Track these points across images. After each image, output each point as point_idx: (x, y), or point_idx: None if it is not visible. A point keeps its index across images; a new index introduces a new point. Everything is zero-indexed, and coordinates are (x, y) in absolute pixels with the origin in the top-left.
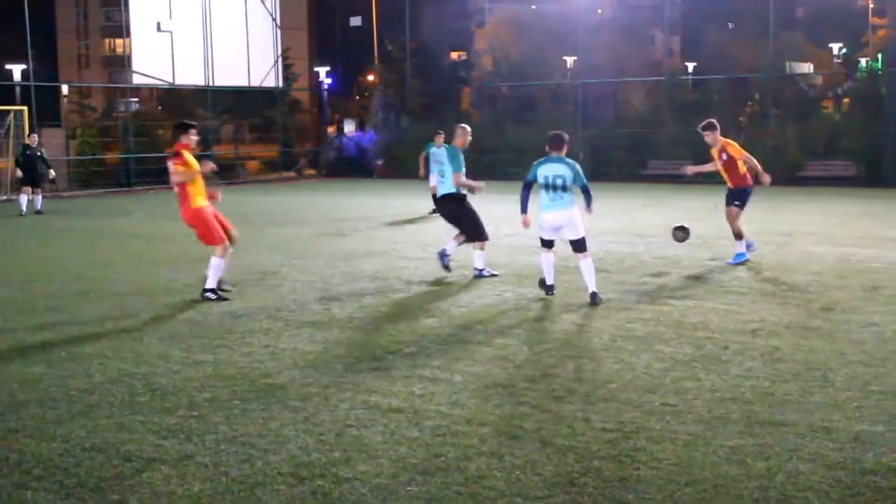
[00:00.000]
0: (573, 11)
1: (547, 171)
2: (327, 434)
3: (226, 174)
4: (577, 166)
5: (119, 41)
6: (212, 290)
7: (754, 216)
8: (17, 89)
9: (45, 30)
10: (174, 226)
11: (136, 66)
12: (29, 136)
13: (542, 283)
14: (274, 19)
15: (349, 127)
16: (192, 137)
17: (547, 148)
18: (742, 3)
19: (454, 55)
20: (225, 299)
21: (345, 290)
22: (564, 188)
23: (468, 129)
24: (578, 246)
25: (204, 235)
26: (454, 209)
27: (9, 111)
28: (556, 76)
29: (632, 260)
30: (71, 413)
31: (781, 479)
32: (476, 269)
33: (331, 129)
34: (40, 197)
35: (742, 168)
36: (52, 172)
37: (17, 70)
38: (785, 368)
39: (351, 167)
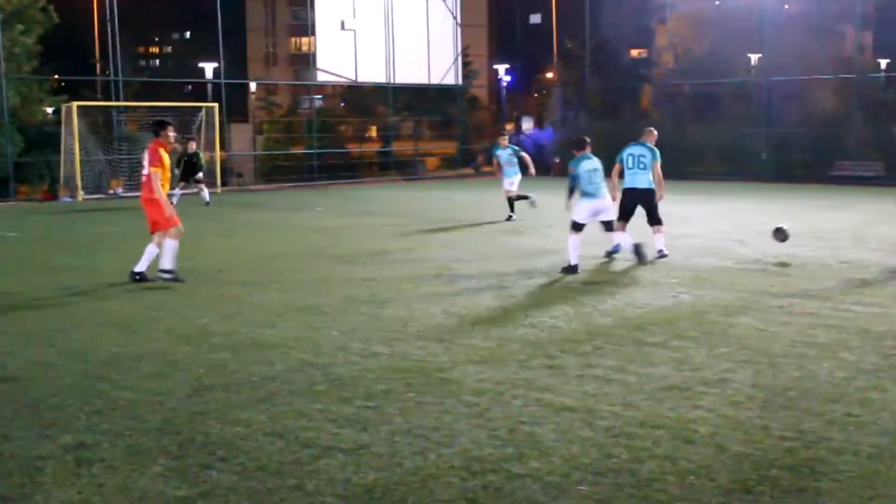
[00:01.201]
0: (758, 6)
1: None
2: (500, 430)
3: (405, 170)
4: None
5: (305, 39)
6: (167, 271)
7: None
8: (209, 86)
9: (235, 29)
10: (355, 220)
11: (320, 63)
12: (187, 143)
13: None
14: (454, 17)
15: (527, 124)
16: (170, 135)
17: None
18: None
19: (634, 52)
20: (179, 280)
21: (520, 288)
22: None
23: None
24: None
25: (157, 221)
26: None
27: (201, 107)
28: (740, 73)
29: (815, 264)
30: (253, 399)
31: None
32: (660, 250)
33: (509, 127)
34: (206, 191)
35: None
36: (201, 175)
37: (209, 68)
38: None
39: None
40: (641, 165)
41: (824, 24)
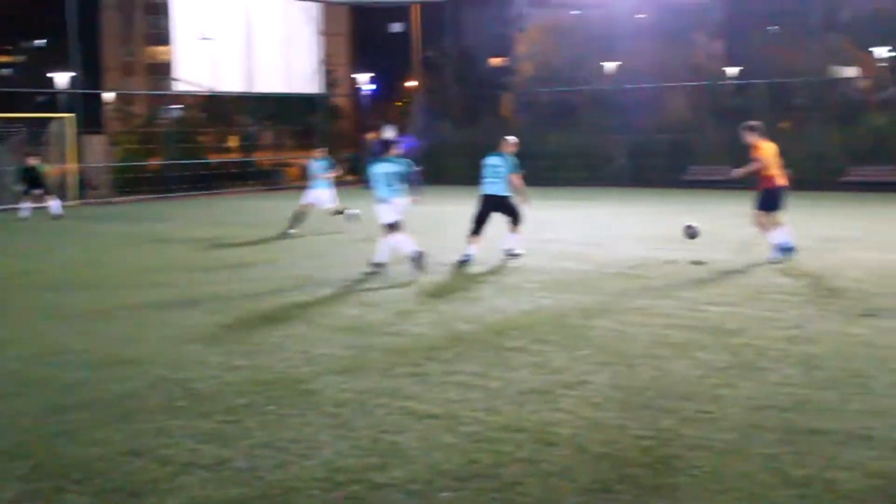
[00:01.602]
0: (613, 16)
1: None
2: (363, 440)
3: (266, 180)
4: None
5: (162, 49)
6: None
7: (797, 221)
8: (63, 97)
9: (90, 38)
10: (217, 231)
11: (178, 73)
12: (29, 157)
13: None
14: (315, 26)
15: (390, 133)
16: None
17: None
18: (785, 7)
19: (495, 61)
20: None
21: (381, 296)
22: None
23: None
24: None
25: None
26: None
27: (53, 118)
28: (597, 81)
29: (670, 266)
30: (110, 418)
31: (819, 488)
32: (510, 249)
33: (371, 136)
34: (55, 203)
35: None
36: (41, 189)
37: (62, 78)
38: (823, 376)
39: None
40: (497, 175)
41: (677, 33)
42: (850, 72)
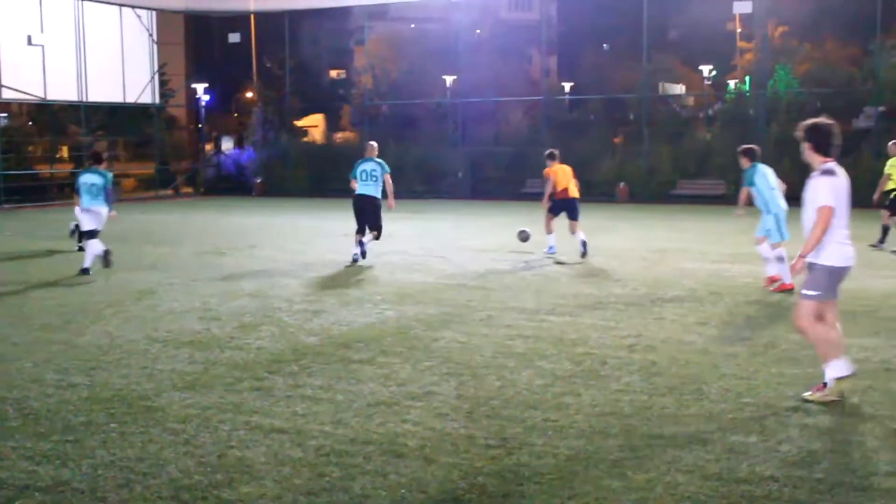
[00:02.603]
0: (452, 31)
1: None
2: (209, 456)
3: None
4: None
5: None
6: None
7: (631, 233)
8: None
9: None
10: (48, 244)
11: (5, 80)
12: None
13: None
14: (150, 34)
15: (227, 144)
16: None
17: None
18: (617, 26)
19: (334, 73)
20: None
21: (224, 310)
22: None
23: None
24: None
25: None
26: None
27: None
28: (436, 94)
29: (511, 277)
30: None
31: (661, 491)
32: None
33: (208, 147)
34: None
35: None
36: None
37: None
38: (662, 382)
39: (230, 185)
40: (373, 178)
41: (514, 49)
42: (678, 89)
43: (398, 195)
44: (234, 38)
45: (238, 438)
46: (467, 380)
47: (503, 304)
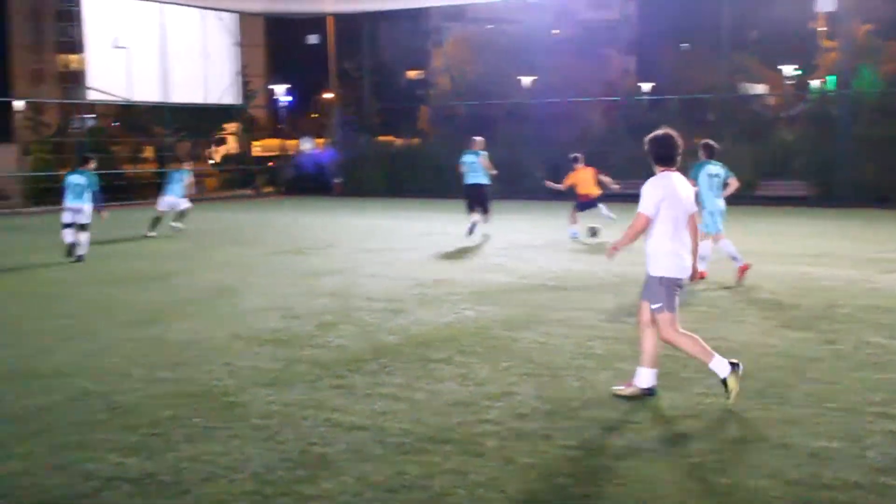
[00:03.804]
0: (529, 31)
1: None
2: (291, 452)
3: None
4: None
5: (74, 57)
6: None
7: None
8: None
9: None
10: (132, 243)
11: (91, 82)
12: None
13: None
14: (232, 36)
15: (306, 144)
16: None
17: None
18: (696, 25)
19: (411, 74)
20: None
21: (305, 308)
22: None
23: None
24: None
25: None
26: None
27: None
28: (513, 95)
29: (590, 278)
30: (31, 431)
31: (742, 496)
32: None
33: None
34: None
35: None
36: None
37: None
38: (743, 386)
39: (309, 185)
40: (475, 168)
41: (592, 49)
42: (759, 89)
43: None
44: (312, 39)
45: (319, 435)
46: (546, 380)
47: (582, 304)
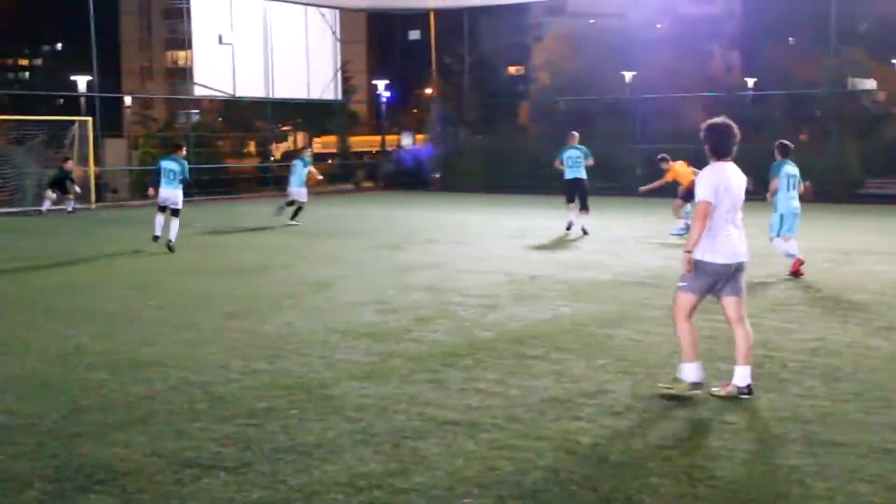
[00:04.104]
0: (631, 26)
1: None
2: (384, 445)
3: (285, 185)
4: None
5: (181, 53)
6: None
7: (816, 234)
8: (82, 100)
9: (109, 42)
10: (233, 236)
11: (197, 77)
12: (65, 162)
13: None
14: (333, 32)
15: (406, 139)
16: None
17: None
18: (802, 19)
19: (512, 69)
20: None
21: (400, 303)
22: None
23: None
24: None
25: None
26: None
27: (74, 121)
28: (614, 91)
29: None
30: (131, 419)
31: (841, 501)
32: (583, 230)
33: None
34: (72, 202)
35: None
36: (78, 189)
37: (82, 81)
38: (845, 388)
39: (409, 180)
40: (578, 163)
41: (694, 44)
42: (868, 84)
43: None
44: (414, 35)
45: (412, 429)
46: (642, 378)
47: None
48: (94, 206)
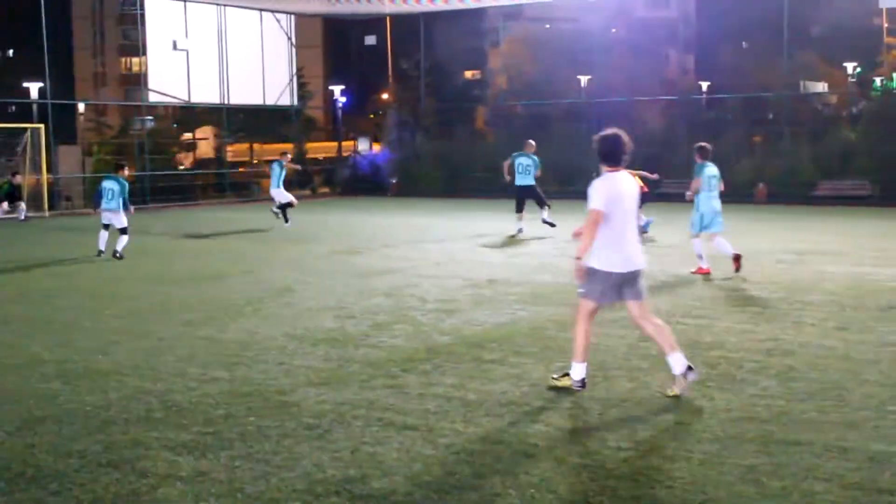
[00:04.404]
0: (587, 30)
1: None
2: (342, 451)
3: (241, 192)
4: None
5: (135, 59)
6: None
7: (770, 235)
8: (35, 107)
9: (62, 48)
10: (191, 243)
11: (151, 84)
12: (13, 176)
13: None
14: (289, 38)
15: (363, 145)
16: None
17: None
18: (756, 23)
19: (468, 74)
20: None
21: (359, 308)
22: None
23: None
24: None
25: None
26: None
27: (26, 129)
28: (571, 95)
29: (646, 279)
30: (87, 429)
31: (797, 499)
32: (549, 222)
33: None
34: (23, 210)
35: None
36: (23, 205)
37: (34, 88)
38: (800, 388)
39: (366, 185)
40: (528, 171)
41: (650, 48)
42: (820, 87)
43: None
44: (370, 40)
45: (371, 435)
46: (599, 381)
47: None
48: (47, 214)
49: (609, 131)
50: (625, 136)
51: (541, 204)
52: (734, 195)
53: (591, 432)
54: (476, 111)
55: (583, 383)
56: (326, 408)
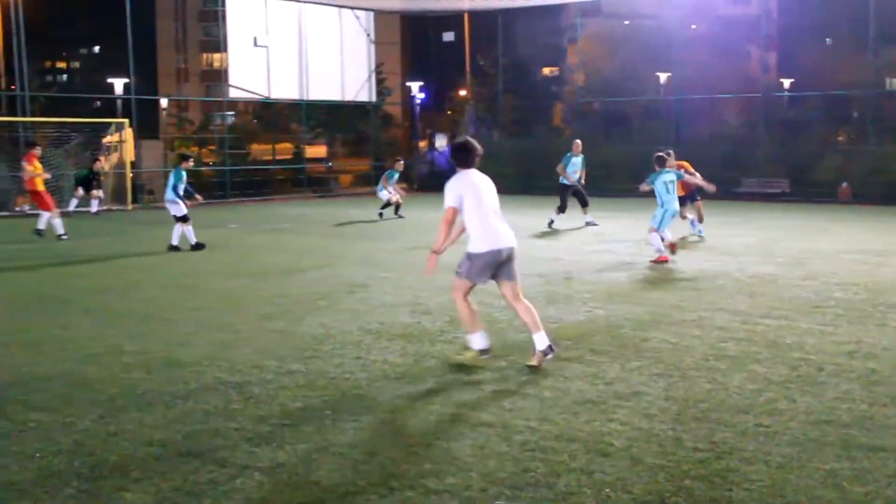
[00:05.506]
0: (667, 27)
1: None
2: (417, 446)
3: (319, 187)
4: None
5: (216, 56)
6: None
7: (853, 235)
8: (119, 102)
9: (145, 45)
10: (268, 237)
11: (232, 80)
12: (94, 162)
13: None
14: (368, 35)
15: (440, 141)
16: (37, 153)
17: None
18: (841, 18)
19: (546, 70)
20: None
21: (435, 304)
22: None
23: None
24: None
25: (40, 203)
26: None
27: (110, 123)
28: (649, 92)
29: (723, 278)
30: (167, 418)
31: None
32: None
33: (422, 144)
34: (96, 203)
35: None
36: (101, 193)
37: (119, 84)
38: (883, 391)
39: (443, 181)
40: (574, 167)
41: (731, 45)
42: None
43: (608, 193)
44: (448, 36)
45: (445, 430)
46: (676, 381)
47: (715, 305)
48: (129, 207)
49: (461, 139)
50: (474, 142)
51: (584, 203)
52: (815, 194)
53: (667, 432)
54: (553, 108)
55: (485, 351)
56: (402, 402)
